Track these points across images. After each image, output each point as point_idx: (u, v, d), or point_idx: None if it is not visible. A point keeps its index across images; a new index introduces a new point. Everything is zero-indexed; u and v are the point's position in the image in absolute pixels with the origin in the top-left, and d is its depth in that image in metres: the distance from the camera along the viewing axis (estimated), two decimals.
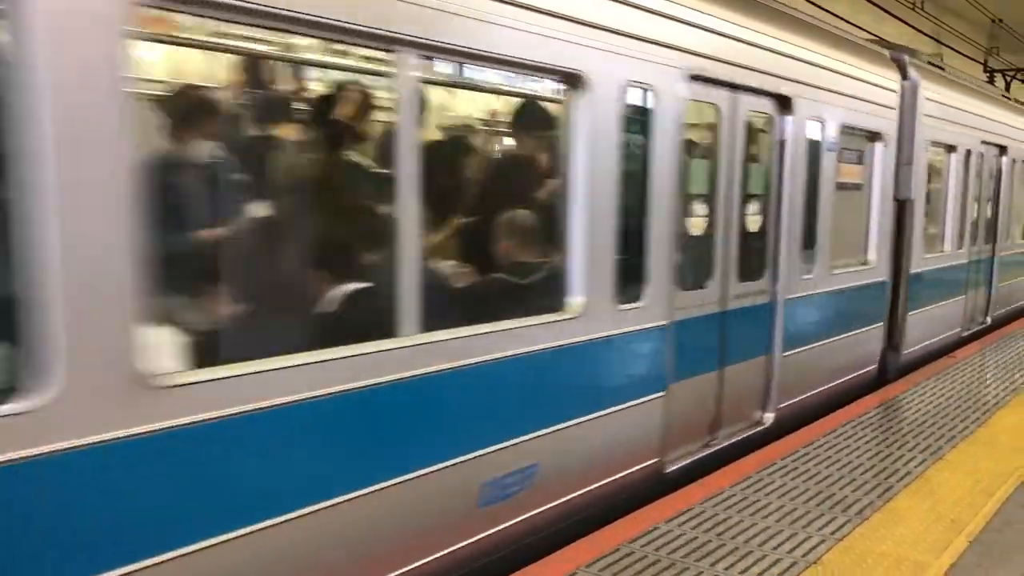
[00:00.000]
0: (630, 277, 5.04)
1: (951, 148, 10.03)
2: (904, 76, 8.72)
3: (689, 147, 5.77)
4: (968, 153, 10.53)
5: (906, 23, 16.03)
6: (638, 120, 5.06)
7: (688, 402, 5.69)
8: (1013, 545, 4.65)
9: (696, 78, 5.49)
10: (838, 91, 7.27)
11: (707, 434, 6.08)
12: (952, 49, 18.81)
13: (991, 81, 19.71)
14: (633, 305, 5.07)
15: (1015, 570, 4.35)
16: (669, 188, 5.28)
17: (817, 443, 6.37)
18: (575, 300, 4.64)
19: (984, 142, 11.13)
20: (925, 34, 17.32)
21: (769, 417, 6.70)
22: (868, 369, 8.48)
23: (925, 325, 9.61)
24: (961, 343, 10.80)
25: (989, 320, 12.27)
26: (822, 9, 12.28)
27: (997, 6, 17.62)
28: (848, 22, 12.61)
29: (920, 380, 8.53)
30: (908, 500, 5.26)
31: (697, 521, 4.88)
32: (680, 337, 5.49)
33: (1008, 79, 20.84)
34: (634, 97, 5.01)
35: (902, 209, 8.73)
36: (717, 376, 6.06)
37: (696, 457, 5.83)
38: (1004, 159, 12.18)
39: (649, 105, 5.10)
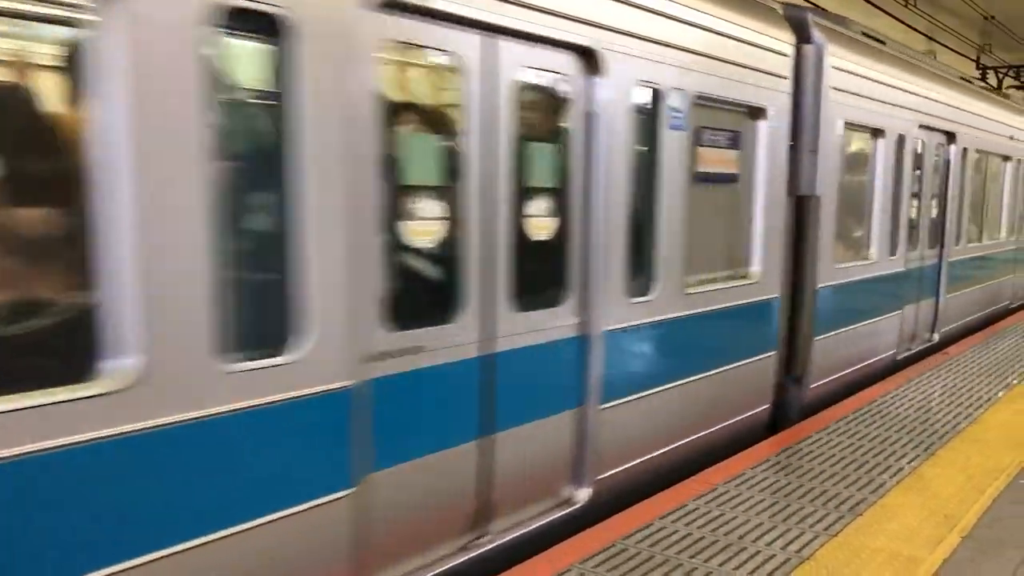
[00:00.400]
0: (263, 316, 3.35)
1: (878, 132, 8.36)
2: (804, 39, 6.91)
3: (397, 113, 3.97)
4: (901, 139, 8.81)
5: (899, 20, 16.09)
6: (257, 64, 3.37)
7: (414, 495, 3.94)
8: (1004, 540, 4.69)
9: (395, 6, 3.65)
10: (687, 48, 5.46)
11: (468, 531, 4.32)
12: (945, 46, 18.88)
13: (983, 78, 19.78)
14: (269, 362, 3.23)
15: (1007, 565, 4.39)
16: (343, 173, 3.45)
17: (809, 439, 6.40)
18: (120, 363, 2.79)
19: (924, 127, 9.45)
20: (918, 31, 17.39)
21: (584, 493, 4.94)
22: (755, 412, 6.69)
23: (843, 349, 7.93)
24: (898, 367, 9.21)
25: (936, 337, 10.53)
26: (815, 7, 12.30)
27: (989, 3, 17.67)
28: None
29: (913, 376, 8.57)
30: (901, 496, 5.30)
31: (691, 518, 4.90)
32: (388, 401, 3.74)
33: (1001, 76, 20.92)
34: (242, 26, 3.18)
35: (804, 208, 7.07)
36: (478, 448, 4.26)
37: (433, 573, 4.06)
38: (952, 148, 10.39)
39: (280, 41, 3.25)
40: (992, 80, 20.44)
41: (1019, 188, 13.85)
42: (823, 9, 10.24)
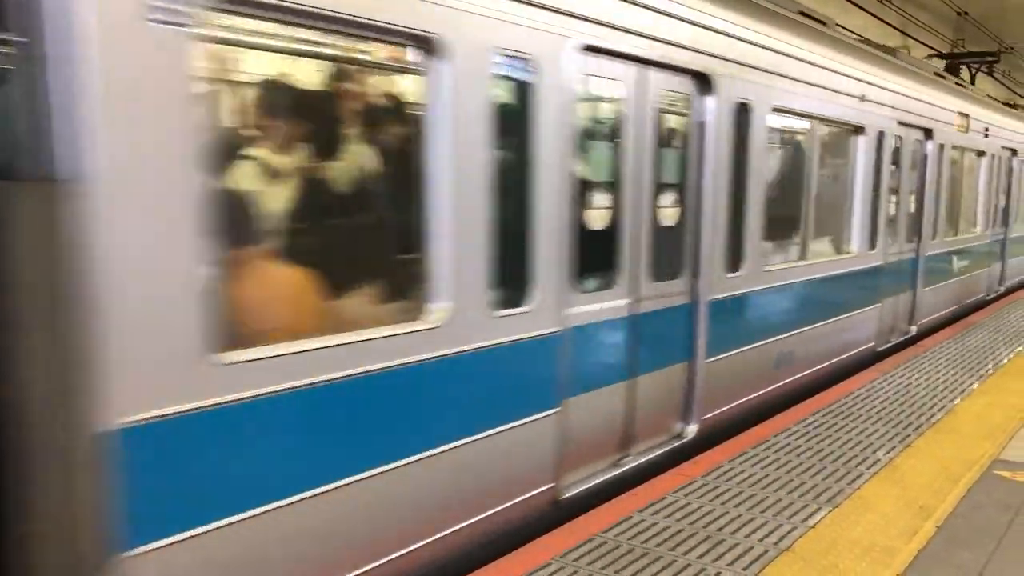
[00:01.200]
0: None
1: (430, 47, 3.95)
2: None
3: None
4: (528, 64, 4.47)
5: (872, 14, 16.19)
6: None
7: None
8: (978, 530, 4.74)
9: None
10: None
11: None
12: (918, 41, 19.04)
13: (956, 73, 19.97)
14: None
15: (981, 554, 4.44)
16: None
17: (787, 432, 6.44)
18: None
19: (599, 51, 5.01)
20: (891, 25, 17.52)
21: None
22: None
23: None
24: (562, 512, 4.94)
25: (693, 427, 6.16)
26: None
27: None
28: (810, 13, 12.70)
29: (889, 369, 8.64)
30: (877, 487, 5.34)
31: (670, 510, 4.91)
32: None
33: (973, 71, 21.10)
34: None
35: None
36: None
37: None
38: (709, 101, 6.02)
39: None
40: (965, 75, 20.62)
41: (884, 178, 9.34)
42: (809, 10, 8.25)
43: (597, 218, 5.26)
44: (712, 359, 6.30)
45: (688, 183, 6.04)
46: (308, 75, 4.04)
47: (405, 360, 3.89)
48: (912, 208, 10.49)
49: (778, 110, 7.03)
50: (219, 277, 3.15)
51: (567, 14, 4.67)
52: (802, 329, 7.75)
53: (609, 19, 5.01)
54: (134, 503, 2.91)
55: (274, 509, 3.39)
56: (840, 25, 11.70)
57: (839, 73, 8.10)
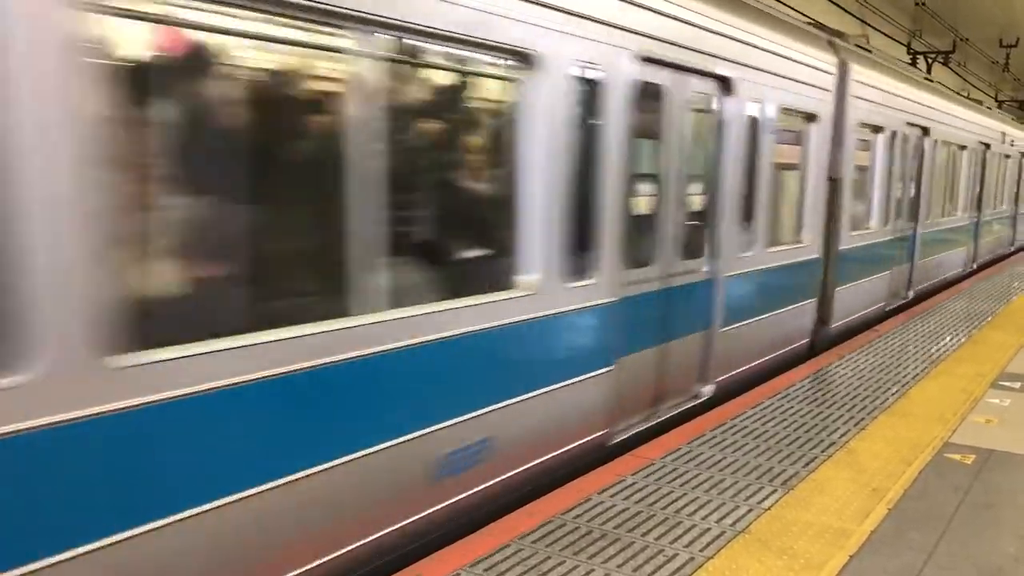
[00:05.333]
0: None
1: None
2: None
3: None
4: None
5: (833, 2, 16.34)
6: None
7: None
8: (929, 511, 4.83)
9: None
10: None
11: None
12: (877, 30, 19.26)
13: (914, 63, 20.24)
14: None
15: (931, 534, 4.52)
16: None
17: (745, 415, 6.50)
18: None
19: None
20: (851, 14, 17.71)
21: None
22: None
23: None
24: None
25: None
26: None
27: None
28: (781, 1, 12.80)
29: (844, 353, 8.77)
30: (832, 470, 5.41)
31: (629, 492, 4.94)
32: None
33: (930, 61, 21.42)
34: None
35: None
36: None
37: None
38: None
39: None
40: (921, 65, 20.93)
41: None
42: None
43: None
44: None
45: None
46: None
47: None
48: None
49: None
50: None
51: None
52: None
53: None
54: None
55: None
56: (803, 13, 11.77)
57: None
